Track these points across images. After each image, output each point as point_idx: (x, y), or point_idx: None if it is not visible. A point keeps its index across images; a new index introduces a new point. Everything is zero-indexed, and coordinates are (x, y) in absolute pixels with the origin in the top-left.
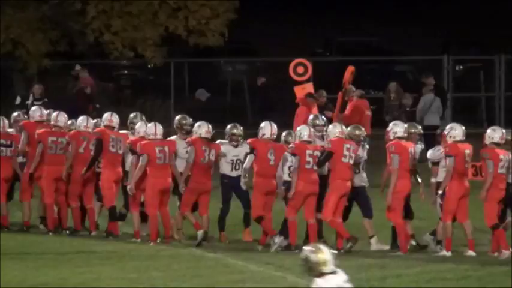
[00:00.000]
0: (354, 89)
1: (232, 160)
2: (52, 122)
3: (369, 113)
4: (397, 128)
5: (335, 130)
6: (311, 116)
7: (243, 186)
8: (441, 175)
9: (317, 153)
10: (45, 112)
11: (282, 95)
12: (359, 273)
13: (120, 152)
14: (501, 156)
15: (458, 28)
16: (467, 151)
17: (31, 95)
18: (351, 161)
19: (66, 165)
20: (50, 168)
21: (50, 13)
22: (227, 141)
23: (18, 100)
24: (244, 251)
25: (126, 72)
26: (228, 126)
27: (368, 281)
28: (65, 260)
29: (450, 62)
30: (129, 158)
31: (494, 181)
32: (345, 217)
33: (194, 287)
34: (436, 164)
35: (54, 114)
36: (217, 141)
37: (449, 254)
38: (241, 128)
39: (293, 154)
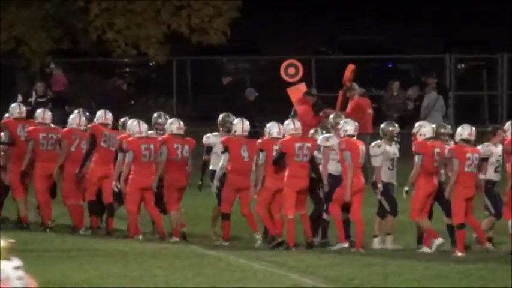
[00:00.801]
0: (356, 86)
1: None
2: (39, 120)
3: (370, 111)
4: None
5: (288, 127)
6: (221, 115)
7: (214, 190)
8: (490, 172)
9: None
10: (24, 109)
11: (284, 94)
12: (361, 271)
13: (113, 148)
14: (468, 155)
15: (461, 27)
16: (437, 149)
17: (34, 93)
18: (305, 159)
19: (58, 163)
20: (42, 165)
21: (52, 11)
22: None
23: (19, 98)
24: (247, 249)
25: (128, 70)
26: (221, 116)
27: (370, 279)
28: (67, 257)
29: (452, 60)
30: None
31: (462, 179)
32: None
33: (197, 285)
34: (485, 160)
35: (39, 111)
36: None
37: (429, 250)
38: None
39: (261, 150)
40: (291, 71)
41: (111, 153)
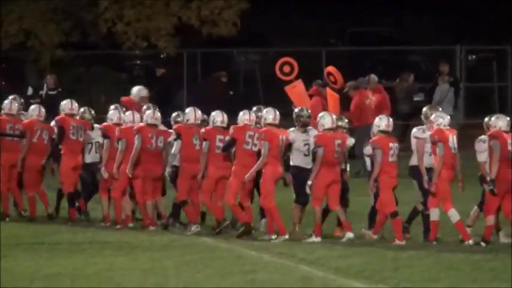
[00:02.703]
0: (351, 83)
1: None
2: (6, 111)
3: (368, 101)
4: (324, 120)
5: (244, 117)
6: (296, 109)
7: (167, 176)
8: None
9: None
10: (16, 106)
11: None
12: (371, 262)
13: (81, 139)
14: (390, 145)
15: (471, 18)
16: (338, 141)
17: (45, 86)
18: (254, 148)
19: (21, 155)
20: (6, 156)
21: (62, 4)
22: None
23: (30, 91)
24: (257, 241)
25: (138, 62)
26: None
27: (380, 271)
28: (78, 250)
29: (463, 51)
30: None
31: (386, 169)
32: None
33: (207, 277)
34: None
35: (7, 102)
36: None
37: (318, 239)
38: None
39: (204, 139)
40: (286, 69)
41: (80, 143)
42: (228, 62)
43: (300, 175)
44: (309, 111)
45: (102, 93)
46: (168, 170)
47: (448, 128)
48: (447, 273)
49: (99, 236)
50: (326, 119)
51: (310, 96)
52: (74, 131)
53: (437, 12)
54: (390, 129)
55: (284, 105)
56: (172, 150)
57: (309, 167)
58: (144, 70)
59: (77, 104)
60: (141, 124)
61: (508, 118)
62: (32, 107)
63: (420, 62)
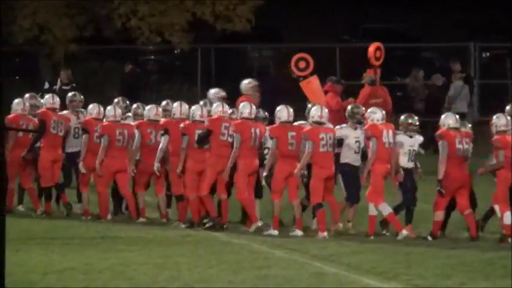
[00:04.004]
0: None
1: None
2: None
3: (375, 100)
4: (280, 113)
5: (217, 109)
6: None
7: (156, 171)
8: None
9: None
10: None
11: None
12: (384, 259)
13: (61, 134)
14: (322, 135)
15: (485, 14)
16: (292, 133)
17: (59, 80)
18: (230, 139)
19: (7, 149)
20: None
21: None
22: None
23: (46, 85)
24: (269, 237)
25: (152, 57)
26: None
27: (393, 267)
28: (90, 245)
29: (477, 48)
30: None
31: (317, 159)
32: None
33: (220, 272)
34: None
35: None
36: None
37: (275, 232)
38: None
39: (183, 134)
40: (302, 64)
41: (60, 138)
42: (242, 58)
43: (350, 172)
44: (363, 108)
45: (115, 88)
46: (157, 165)
47: (383, 123)
48: (459, 270)
49: (111, 231)
50: (282, 112)
51: (325, 92)
52: (54, 125)
53: (451, 8)
54: (324, 120)
55: (298, 101)
56: (160, 145)
57: (358, 164)
58: (158, 65)
59: (58, 99)
60: (140, 120)
61: (509, 117)
62: (16, 100)
63: (433, 59)
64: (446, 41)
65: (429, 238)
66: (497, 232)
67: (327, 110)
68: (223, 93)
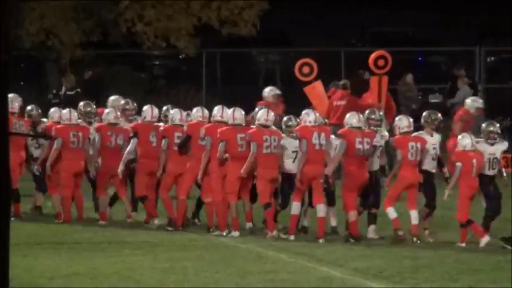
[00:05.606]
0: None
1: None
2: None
3: (336, 103)
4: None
5: (197, 114)
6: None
7: (120, 174)
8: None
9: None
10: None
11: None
12: (391, 263)
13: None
14: (265, 137)
15: (494, 18)
16: (240, 135)
17: (63, 86)
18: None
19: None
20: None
21: (84, 2)
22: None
23: (54, 91)
24: (276, 241)
25: (158, 62)
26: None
27: (400, 272)
28: (97, 249)
29: (482, 53)
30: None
31: (261, 160)
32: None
33: (226, 277)
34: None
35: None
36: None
37: (236, 234)
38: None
39: (163, 136)
40: (306, 70)
41: (23, 140)
42: (247, 62)
43: (429, 180)
44: (439, 114)
45: (122, 93)
46: (121, 167)
47: (315, 125)
48: (467, 274)
49: (118, 236)
50: (229, 115)
51: (329, 97)
52: (16, 126)
53: (460, 12)
54: (269, 123)
55: (304, 105)
56: (128, 148)
57: (434, 171)
58: (164, 70)
59: (17, 104)
60: (101, 123)
61: (411, 119)
62: (52, 109)
63: (440, 63)
64: (455, 45)
65: (351, 240)
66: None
67: (273, 114)
68: (278, 92)
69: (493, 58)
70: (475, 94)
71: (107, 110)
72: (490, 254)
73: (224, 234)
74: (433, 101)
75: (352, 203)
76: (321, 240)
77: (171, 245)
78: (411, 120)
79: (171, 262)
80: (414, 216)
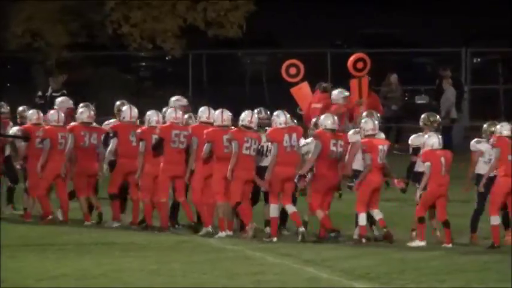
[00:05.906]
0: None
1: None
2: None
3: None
4: (215, 116)
5: (170, 116)
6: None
7: (105, 173)
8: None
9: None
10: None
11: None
12: (378, 264)
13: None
14: (246, 138)
15: (479, 20)
16: (226, 136)
17: (50, 88)
18: (181, 146)
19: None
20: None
21: (71, 3)
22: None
23: (40, 92)
24: (263, 243)
25: (144, 64)
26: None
27: (387, 273)
28: (85, 251)
29: (468, 54)
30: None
31: (240, 161)
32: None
33: (214, 278)
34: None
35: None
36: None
37: (223, 234)
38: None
39: (140, 139)
40: (292, 71)
41: (3, 141)
42: (234, 63)
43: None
44: (438, 116)
45: (109, 95)
46: (105, 167)
47: (286, 126)
48: (454, 275)
49: (106, 237)
50: (218, 116)
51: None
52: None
53: (446, 13)
54: (253, 125)
55: (291, 107)
56: (109, 148)
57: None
58: (151, 71)
59: (63, 115)
60: (75, 123)
61: (376, 122)
62: (30, 111)
63: (426, 64)
64: (442, 46)
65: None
66: (489, 237)
67: (256, 116)
68: (184, 102)
69: (479, 59)
70: (460, 95)
71: (80, 110)
72: (477, 254)
73: (210, 229)
74: (419, 102)
75: (317, 203)
76: (274, 239)
77: (158, 247)
78: (376, 122)
79: (159, 264)
80: (376, 212)
